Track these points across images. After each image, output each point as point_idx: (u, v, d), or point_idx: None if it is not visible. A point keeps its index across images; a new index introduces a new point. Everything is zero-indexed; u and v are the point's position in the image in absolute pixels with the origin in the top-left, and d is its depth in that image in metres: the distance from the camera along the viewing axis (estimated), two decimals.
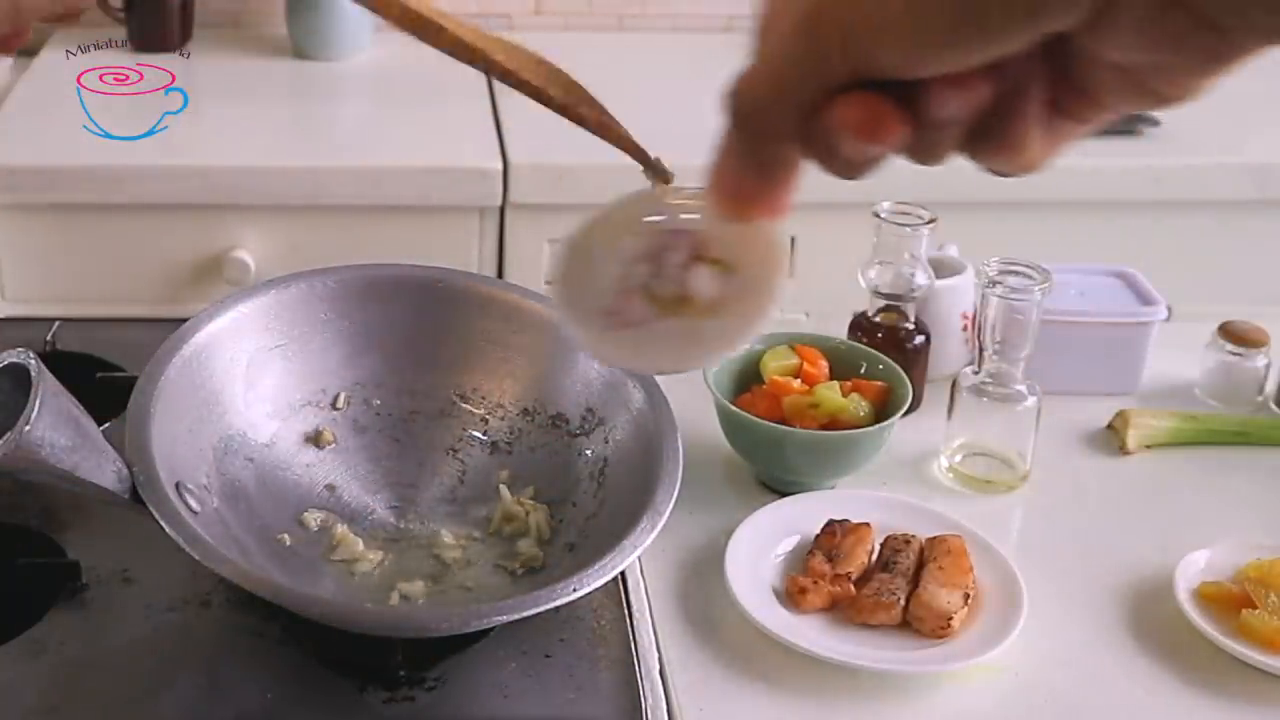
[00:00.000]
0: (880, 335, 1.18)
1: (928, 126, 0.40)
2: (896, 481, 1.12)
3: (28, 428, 0.75)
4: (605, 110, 0.49)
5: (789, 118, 0.41)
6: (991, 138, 0.41)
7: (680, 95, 2.03)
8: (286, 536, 0.94)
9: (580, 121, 0.49)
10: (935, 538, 1.00)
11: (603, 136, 0.49)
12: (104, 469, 0.81)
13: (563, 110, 0.49)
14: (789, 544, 1.02)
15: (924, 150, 0.41)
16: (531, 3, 2.31)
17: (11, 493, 1.00)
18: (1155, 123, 1.93)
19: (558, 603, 0.82)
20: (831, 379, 1.10)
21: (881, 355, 1.13)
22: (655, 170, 0.50)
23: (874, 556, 1.00)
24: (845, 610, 0.95)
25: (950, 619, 0.92)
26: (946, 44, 0.38)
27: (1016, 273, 1.09)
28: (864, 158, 0.41)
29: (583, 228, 0.53)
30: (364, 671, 0.87)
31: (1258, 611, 0.94)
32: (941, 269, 1.24)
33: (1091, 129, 0.43)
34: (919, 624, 0.94)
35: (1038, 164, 0.43)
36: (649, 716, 0.85)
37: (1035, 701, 0.91)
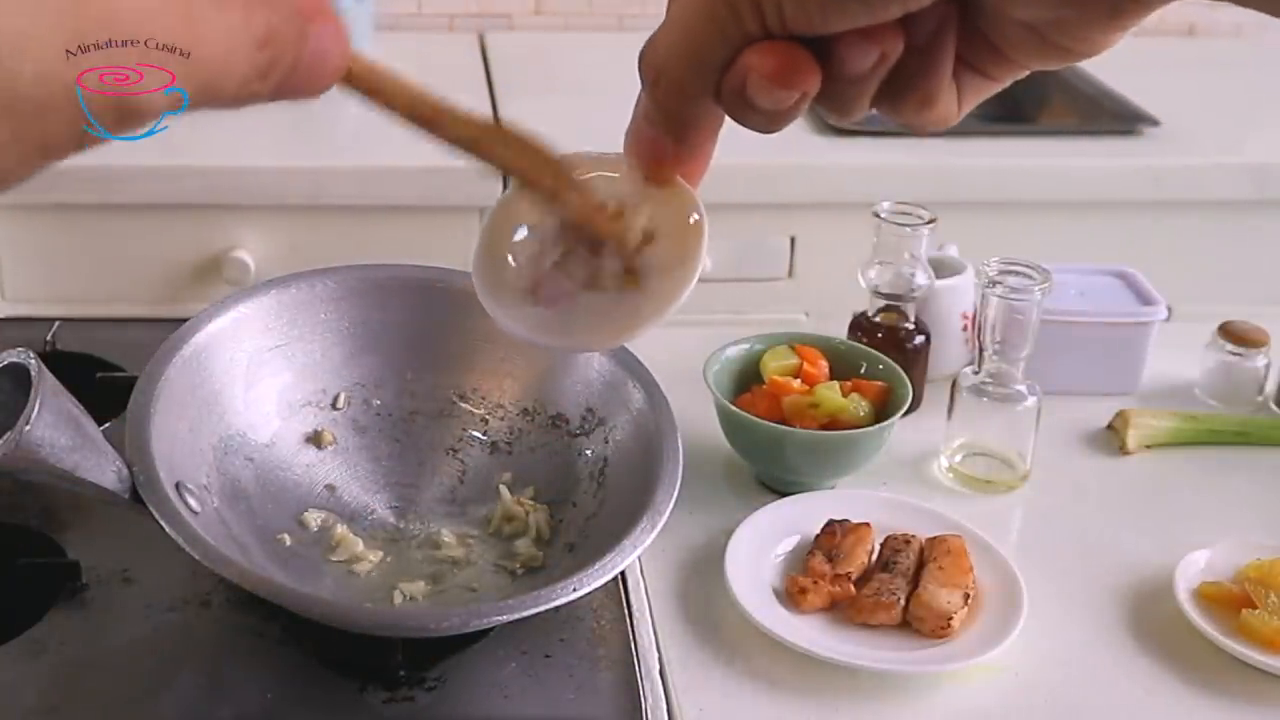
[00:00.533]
0: (880, 335, 1.18)
1: (841, 79, 0.41)
2: (896, 481, 1.12)
3: (28, 428, 0.75)
4: (593, 197, 0.50)
5: (703, 75, 0.42)
6: (904, 91, 0.42)
7: None
8: (286, 536, 0.94)
9: (564, 207, 0.50)
10: (935, 538, 1.00)
11: (584, 219, 0.50)
12: (104, 469, 0.81)
13: (551, 197, 0.50)
14: (789, 544, 1.02)
15: (839, 103, 0.42)
16: (531, 3, 2.31)
17: (11, 493, 1.00)
18: (1155, 123, 1.94)
19: (558, 603, 0.82)
20: (831, 379, 1.10)
21: (881, 355, 1.13)
22: (624, 253, 0.50)
23: (874, 556, 1.00)
24: (845, 610, 0.95)
25: (950, 619, 0.92)
26: (850, 4, 0.39)
27: (1016, 273, 1.09)
28: (780, 108, 0.41)
29: (499, 205, 0.53)
30: (364, 671, 0.87)
31: (1258, 611, 0.94)
32: (941, 269, 1.24)
33: (1001, 85, 0.44)
34: (919, 624, 0.94)
35: (950, 119, 0.44)
36: (649, 716, 0.85)
37: (1035, 701, 0.91)
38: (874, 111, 0.44)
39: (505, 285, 0.52)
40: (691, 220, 0.49)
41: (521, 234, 0.52)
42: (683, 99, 0.43)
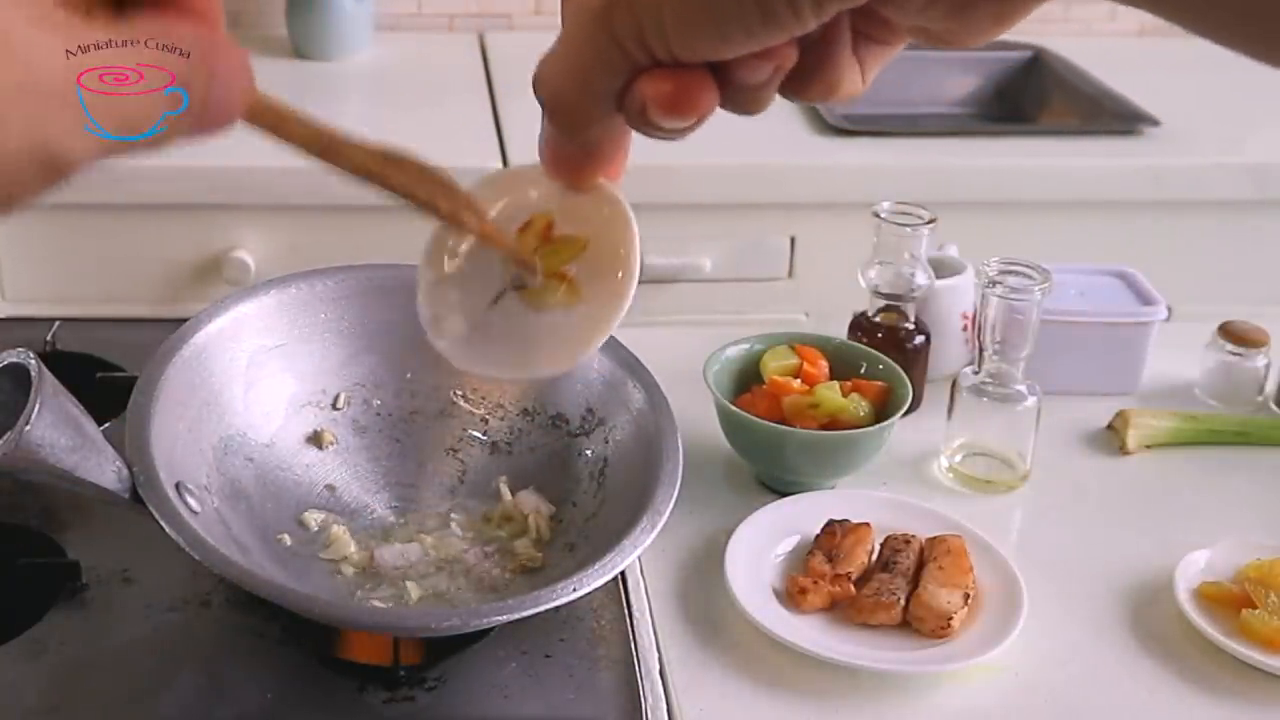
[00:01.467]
0: (880, 335, 1.18)
1: (739, 89, 0.41)
2: (896, 481, 1.12)
3: (28, 428, 0.75)
4: (487, 218, 0.51)
5: (598, 103, 0.42)
6: (806, 82, 0.43)
7: None
8: (286, 536, 0.94)
9: (464, 229, 0.50)
10: (935, 538, 1.00)
11: (485, 240, 0.51)
12: (104, 469, 0.81)
13: (450, 219, 0.50)
14: (789, 544, 1.02)
15: (741, 107, 0.42)
16: (531, 3, 2.31)
17: (11, 493, 1.00)
18: (1155, 123, 1.94)
19: (558, 603, 0.82)
20: (831, 379, 1.10)
21: (881, 355, 1.13)
22: (530, 270, 0.51)
23: (874, 556, 1.00)
24: (845, 610, 0.95)
25: (950, 619, 0.92)
26: (735, 37, 0.39)
27: (1016, 273, 1.09)
28: (682, 127, 0.42)
29: (434, 234, 0.53)
30: (364, 671, 0.87)
31: (1258, 611, 0.94)
32: (941, 269, 1.24)
33: (900, 47, 0.44)
34: (919, 624, 0.94)
35: (856, 91, 0.44)
36: (649, 716, 0.85)
37: (1035, 701, 0.91)
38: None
39: (448, 329, 0.52)
40: (620, 221, 0.49)
41: (452, 269, 0.52)
42: (582, 124, 0.43)
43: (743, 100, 0.42)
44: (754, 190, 1.81)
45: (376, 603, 0.91)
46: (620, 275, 0.49)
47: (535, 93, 0.43)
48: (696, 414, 1.10)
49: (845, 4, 0.38)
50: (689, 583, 0.99)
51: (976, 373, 1.12)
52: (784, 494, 1.08)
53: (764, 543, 1.01)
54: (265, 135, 0.45)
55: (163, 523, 0.81)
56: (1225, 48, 0.37)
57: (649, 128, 0.42)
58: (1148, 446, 1.19)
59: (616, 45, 0.40)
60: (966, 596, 0.94)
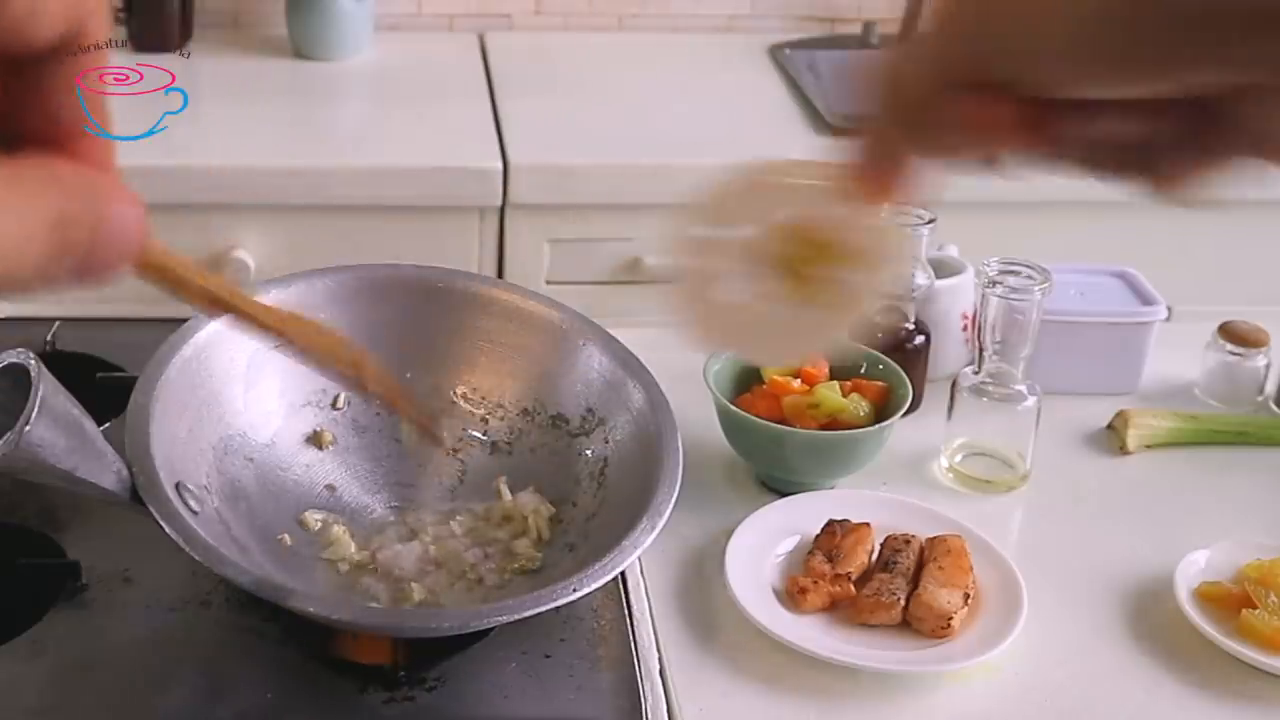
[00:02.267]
0: (880, 335, 1.18)
1: (1056, 141, 0.39)
2: (896, 481, 1.12)
3: (28, 428, 0.75)
4: (388, 375, 0.53)
5: (939, 97, 0.39)
6: (1133, 166, 0.39)
7: (679, 95, 2.03)
8: (287, 536, 0.94)
9: (363, 381, 0.53)
10: (935, 538, 1.00)
11: (384, 396, 0.53)
12: (104, 469, 0.81)
13: (348, 373, 0.54)
14: (789, 544, 1.02)
15: (1055, 164, 0.40)
16: (531, 3, 2.31)
17: (11, 493, 1.00)
18: None
19: (558, 603, 0.82)
20: (831, 379, 1.10)
21: (881, 355, 1.13)
22: (431, 436, 0.54)
23: (874, 556, 1.00)
24: (845, 610, 0.95)
25: (950, 619, 0.92)
26: (1113, 69, 0.36)
27: (1016, 273, 1.09)
28: (985, 155, 0.40)
29: (692, 214, 0.54)
30: (364, 671, 0.87)
31: (1258, 611, 0.94)
32: (941, 269, 1.24)
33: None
34: (919, 624, 0.94)
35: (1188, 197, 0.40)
36: (649, 716, 0.85)
37: (1035, 701, 0.91)
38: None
39: (695, 305, 0.54)
40: (884, 240, 0.50)
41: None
42: (916, 116, 0.41)
43: (1071, 158, 0.39)
44: None
45: (376, 603, 0.91)
46: (865, 290, 0.51)
47: (875, 80, 0.42)
48: (696, 414, 1.10)
49: (1244, 69, 0.34)
50: (689, 583, 0.99)
51: (976, 373, 1.12)
52: (784, 494, 1.08)
53: (764, 543, 1.01)
54: (160, 287, 0.46)
55: (163, 523, 0.81)
56: None
57: (943, 151, 0.41)
58: (1148, 446, 1.19)
59: (974, 53, 0.38)
60: (966, 596, 0.94)
